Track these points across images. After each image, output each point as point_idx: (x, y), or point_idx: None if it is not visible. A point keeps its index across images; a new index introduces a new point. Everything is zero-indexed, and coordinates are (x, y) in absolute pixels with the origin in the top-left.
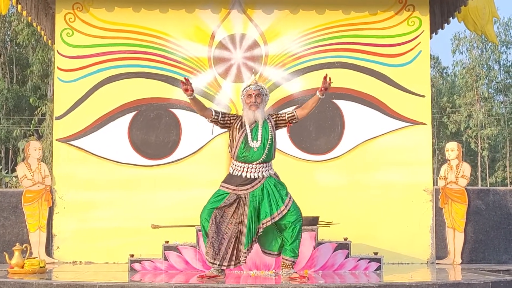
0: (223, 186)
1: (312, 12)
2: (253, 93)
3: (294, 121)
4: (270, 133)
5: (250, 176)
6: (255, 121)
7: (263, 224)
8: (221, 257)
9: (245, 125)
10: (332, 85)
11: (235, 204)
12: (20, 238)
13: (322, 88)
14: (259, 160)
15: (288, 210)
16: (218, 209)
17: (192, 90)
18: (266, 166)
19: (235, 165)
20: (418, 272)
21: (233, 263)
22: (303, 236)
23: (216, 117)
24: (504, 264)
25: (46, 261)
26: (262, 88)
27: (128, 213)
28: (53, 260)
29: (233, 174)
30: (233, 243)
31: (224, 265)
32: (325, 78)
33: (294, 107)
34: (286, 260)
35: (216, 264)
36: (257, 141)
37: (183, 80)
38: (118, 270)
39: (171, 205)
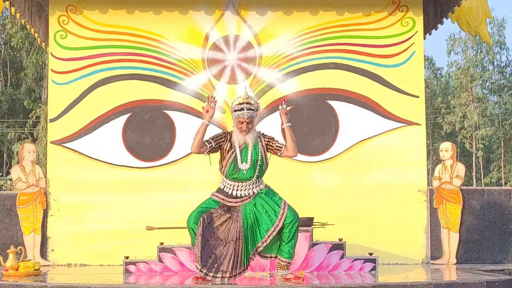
0: (213, 195)
1: (306, 13)
2: (245, 121)
3: (278, 154)
4: (260, 153)
5: (241, 194)
6: (245, 143)
7: (268, 237)
8: (202, 264)
9: (234, 146)
10: (326, 85)
11: (225, 218)
12: (15, 240)
13: (283, 118)
14: (250, 181)
15: (286, 212)
16: (206, 214)
17: (211, 116)
18: (257, 182)
19: (226, 182)
20: (413, 272)
21: (221, 275)
22: (298, 237)
23: (210, 147)
24: (499, 264)
25: (41, 264)
26: (254, 111)
27: (123, 215)
28: (47, 262)
29: (224, 189)
30: (215, 254)
31: (209, 275)
32: (280, 104)
33: (282, 142)
34: (281, 261)
35: (197, 267)
36: (246, 163)
37: (209, 96)
38: (113, 272)
39: (165, 206)
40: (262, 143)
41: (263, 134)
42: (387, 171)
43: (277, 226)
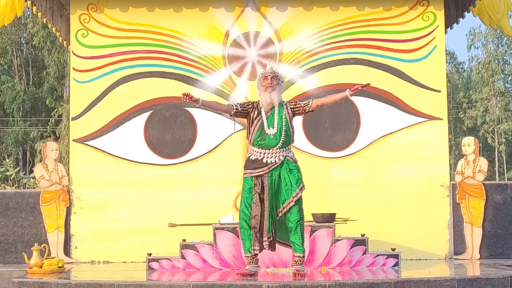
0: (245, 173)
1: (326, 8)
2: (269, 75)
3: (307, 109)
4: (284, 119)
5: (267, 161)
6: (272, 107)
7: (283, 208)
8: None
9: (261, 113)
10: (347, 81)
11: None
12: (39, 238)
13: (359, 88)
14: (277, 147)
15: (295, 203)
16: (254, 203)
17: (196, 99)
18: (285, 150)
19: (253, 150)
20: (436, 267)
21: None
22: (321, 233)
23: (237, 110)
24: None
25: (65, 261)
26: (278, 73)
27: (145, 212)
28: (71, 260)
29: (251, 158)
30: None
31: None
32: (365, 85)
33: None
34: (294, 256)
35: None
36: (273, 128)
37: (182, 96)
38: (136, 269)
39: (187, 203)
40: (287, 110)
41: (289, 101)
42: (409, 166)
43: (293, 197)
